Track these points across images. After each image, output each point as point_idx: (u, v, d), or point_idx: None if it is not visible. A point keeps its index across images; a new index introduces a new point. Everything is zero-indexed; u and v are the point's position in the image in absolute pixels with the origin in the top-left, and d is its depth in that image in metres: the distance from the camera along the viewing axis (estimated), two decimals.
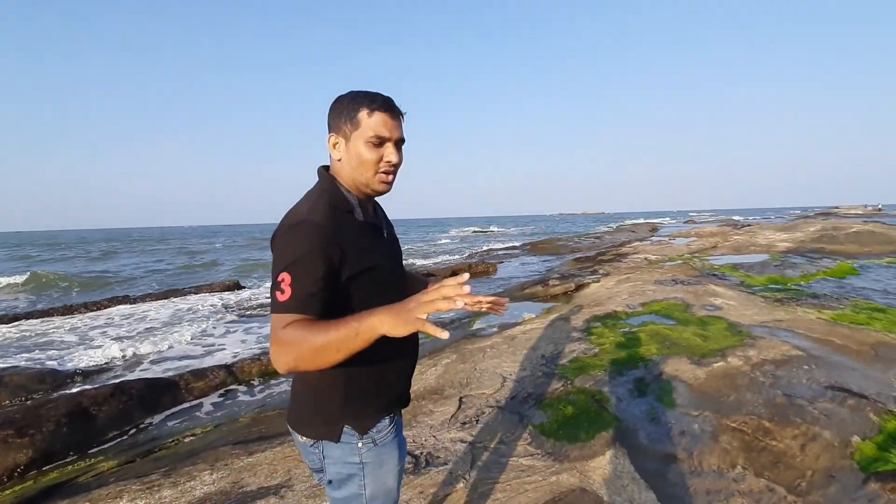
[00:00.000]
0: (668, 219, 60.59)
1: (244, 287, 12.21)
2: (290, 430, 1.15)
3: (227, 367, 4.92)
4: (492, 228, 51.74)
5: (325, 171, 1.12)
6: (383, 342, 0.88)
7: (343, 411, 1.07)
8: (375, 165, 1.06)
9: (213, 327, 7.20)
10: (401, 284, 1.18)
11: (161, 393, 4.34)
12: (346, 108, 1.05)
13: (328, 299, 0.96)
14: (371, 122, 1.03)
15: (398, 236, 1.30)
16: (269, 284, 1.32)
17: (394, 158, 1.06)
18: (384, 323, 0.84)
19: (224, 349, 5.93)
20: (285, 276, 0.93)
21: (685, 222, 43.92)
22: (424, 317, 0.81)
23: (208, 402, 4.31)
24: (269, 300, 0.97)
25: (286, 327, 0.89)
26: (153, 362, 5.56)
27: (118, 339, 6.66)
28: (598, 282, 8.66)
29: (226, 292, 11.39)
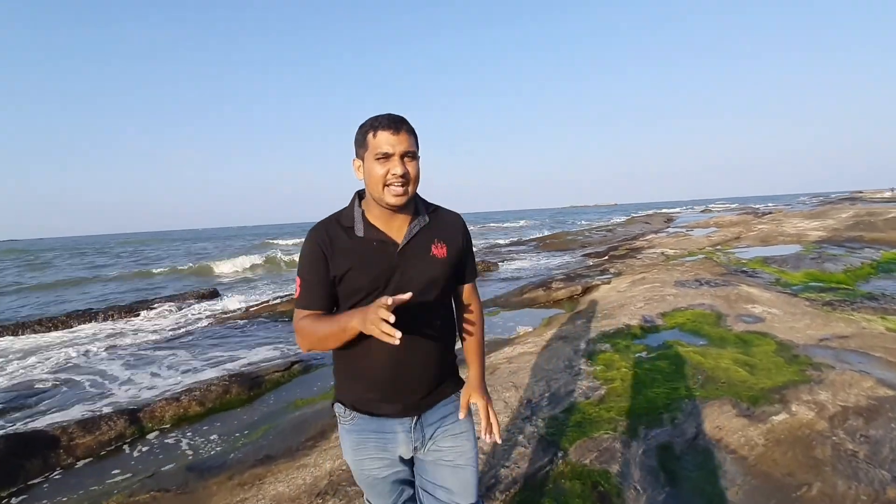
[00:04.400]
0: (682, 209, 58.51)
1: (221, 295, 11.19)
2: None
3: (132, 413, 3.86)
4: (505, 224, 50.02)
5: (356, 194, 1.30)
6: (360, 352, 1.21)
7: (336, 383, 1.34)
8: (383, 179, 1.16)
9: (158, 349, 6.17)
10: (390, 291, 1.18)
11: (29, 455, 3.30)
12: (360, 134, 1.20)
13: (328, 293, 1.21)
14: (375, 142, 1.16)
15: None
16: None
17: (398, 170, 1.15)
18: (357, 322, 1.04)
19: (156, 381, 4.88)
20: (298, 279, 1.22)
21: (702, 211, 41.85)
22: (376, 326, 0.96)
23: (84, 467, 3.25)
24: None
25: (301, 320, 1.19)
26: (55, 403, 4.52)
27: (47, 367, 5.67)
28: (608, 283, 7.47)
29: (202, 301, 10.41)
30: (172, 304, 9.85)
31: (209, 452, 3.27)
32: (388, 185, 1.15)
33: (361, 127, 1.20)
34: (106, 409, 4.01)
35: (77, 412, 4.07)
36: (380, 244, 1.21)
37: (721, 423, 2.59)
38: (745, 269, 8.23)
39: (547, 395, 3.13)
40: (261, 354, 5.52)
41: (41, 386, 4.89)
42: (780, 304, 5.20)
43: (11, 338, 7.77)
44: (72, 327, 8.42)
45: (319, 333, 1.14)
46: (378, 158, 1.15)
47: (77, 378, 5.11)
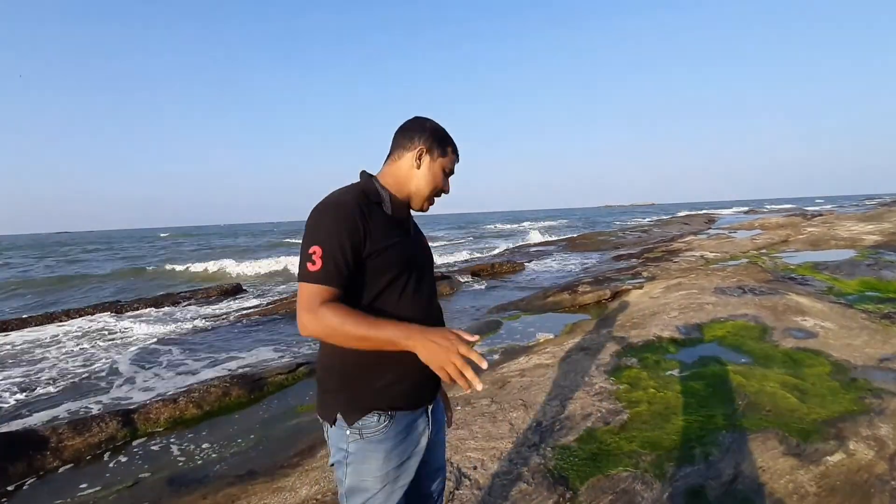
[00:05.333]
0: (733, 209, 55.69)
1: (245, 291, 11.21)
2: None
3: (125, 415, 3.71)
4: (524, 224, 48.53)
5: (366, 174, 1.25)
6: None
7: (336, 399, 1.13)
8: (438, 189, 1.26)
9: (170, 345, 6.11)
10: (423, 277, 1.22)
11: (14, 457, 3.18)
12: (442, 138, 1.25)
13: (350, 274, 1.07)
14: (451, 158, 1.27)
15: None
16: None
17: (448, 190, 1.30)
18: (421, 353, 0.99)
19: (159, 380, 4.76)
20: (317, 249, 1.04)
21: (746, 212, 39.71)
22: (454, 364, 0.96)
23: (66, 472, 3.10)
24: (298, 269, 1.07)
25: (325, 305, 1.01)
26: (55, 398, 4.44)
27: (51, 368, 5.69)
28: (640, 288, 6.97)
29: (225, 297, 10.43)
30: (194, 299, 9.91)
31: (194, 462, 3.07)
32: (434, 196, 1.27)
33: (446, 134, 1.27)
34: (102, 409, 3.90)
35: (73, 409, 3.98)
36: (404, 228, 1.24)
37: (765, 462, 2.18)
38: (793, 275, 7.56)
39: (560, 417, 2.76)
40: (267, 354, 5.35)
41: (48, 379, 4.86)
42: (833, 317, 4.64)
43: (37, 328, 7.93)
44: (94, 317, 8.55)
45: (357, 333, 1.00)
46: (445, 171, 1.26)
47: (86, 372, 5.07)
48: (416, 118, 1.27)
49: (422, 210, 1.27)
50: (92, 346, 6.28)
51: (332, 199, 1.11)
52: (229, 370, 4.83)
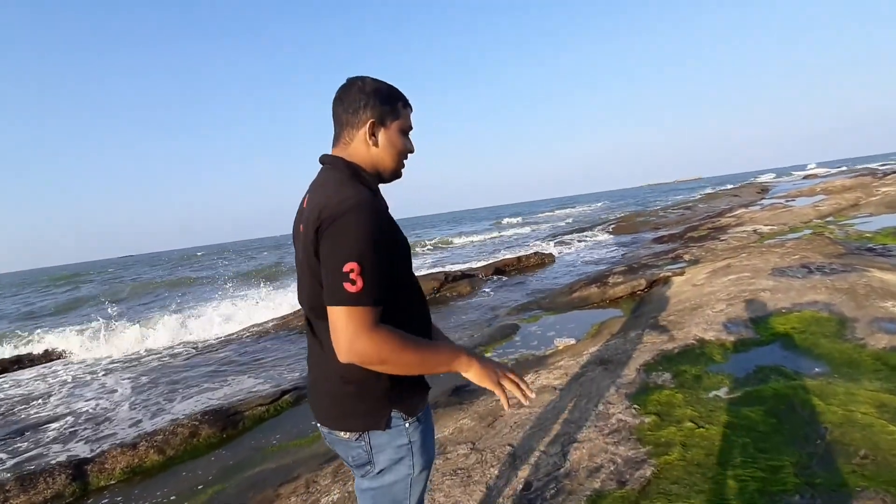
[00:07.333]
0: (776, 175, 51.68)
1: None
2: (326, 430, 1.10)
3: (78, 466, 3.27)
4: (557, 212, 46.64)
5: (342, 160, 1.08)
6: (414, 326, 1.04)
7: (390, 398, 1.06)
8: (404, 153, 1.13)
9: (150, 379, 5.77)
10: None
11: None
12: (388, 97, 1.08)
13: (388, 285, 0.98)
14: (406, 114, 1.12)
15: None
16: None
17: (413, 147, 1.16)
18: (475, 373, 1.02)
19: (120, 423, 4.31)
20: (354, 266, 0.91)
21: (805, 177, 36.29)
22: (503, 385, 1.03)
23: None
24: (330, 291, 0.92)
25: (377, 330, 0.91)
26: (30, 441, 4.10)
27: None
28: (681, 274, 6.02)
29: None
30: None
31: None
32: (402, 162, 1.14)
33: (391, 91, 1.09)
34: (59, 458, 3.50)
35: (28, 458, 3.60)
36: None
37: None
38: (871, 245, 6.38)
39: (558, 473, 2.02)
40: (252, 382, 4.85)
41: (33, 416, 4.57)
42: None
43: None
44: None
45: (414, 359, 0.96)
46: (405, 132, 1.13)
47: (46, 413, 4.74)
48: (351, 82, 1.08)
49: (398, 178, 1.16)
50: (79, 376, 6.03)
51: (355, 199, 0.94)
52: (205, 403, 4.36)
